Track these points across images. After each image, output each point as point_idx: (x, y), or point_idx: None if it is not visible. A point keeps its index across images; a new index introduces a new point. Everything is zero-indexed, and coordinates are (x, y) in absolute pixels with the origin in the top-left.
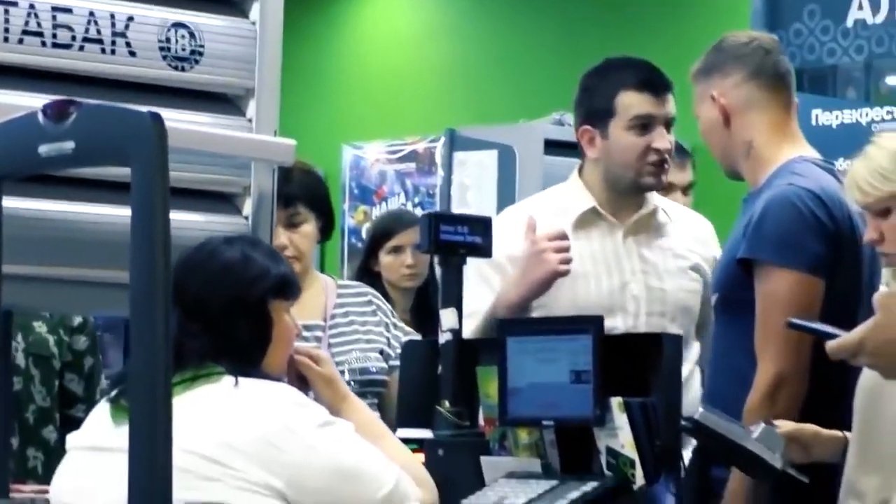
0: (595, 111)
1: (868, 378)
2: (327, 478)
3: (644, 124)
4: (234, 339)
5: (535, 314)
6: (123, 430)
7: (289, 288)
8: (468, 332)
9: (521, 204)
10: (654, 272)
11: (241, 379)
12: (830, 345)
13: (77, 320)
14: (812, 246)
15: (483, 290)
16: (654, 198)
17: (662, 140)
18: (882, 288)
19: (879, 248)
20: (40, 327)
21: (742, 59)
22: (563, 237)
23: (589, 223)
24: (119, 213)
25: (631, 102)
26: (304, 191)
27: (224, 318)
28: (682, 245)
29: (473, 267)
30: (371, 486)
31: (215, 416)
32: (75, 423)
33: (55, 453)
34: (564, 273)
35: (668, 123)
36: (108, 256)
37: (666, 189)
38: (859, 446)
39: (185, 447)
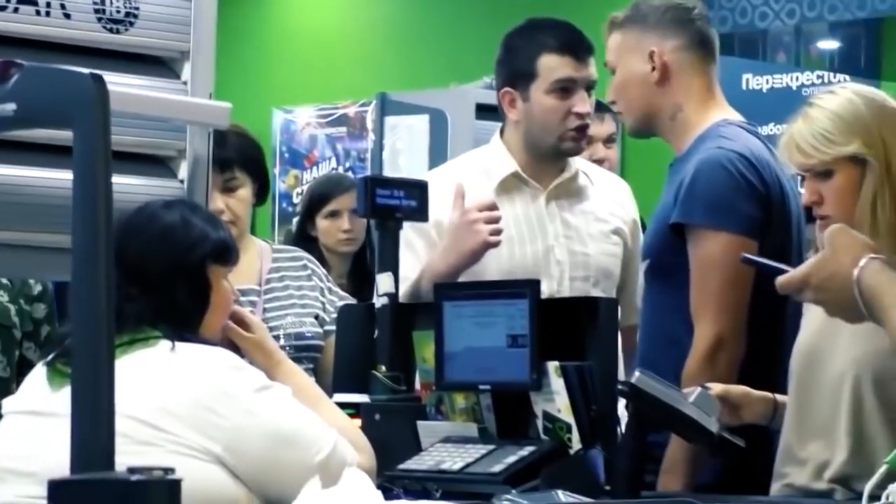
0: (516, 73)
1: (804, 343)
2: (265, 442)
3: (565, 88)
4: (173, 303)
5: (460, 279)
6: (61, 395)
7: (228, 253)
8: None
9: (444, 167)
10: (576, 236)
11: (177, 343)
12: (779, 280)
13: (37, 289)
14: (744, 208)
15: (408, 256)
16: (576, 161)
17: (584, 104)
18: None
19: (818, 210)
20: (1, 296)
21: (686, 25)
22: (494, 207)
23: (512, 187)
24: (53, 176)
25: (553, 65)
26: (240, 155)
27: (163, 281)
28: (604, 208)
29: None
30: (309, 451)
31: (152, 381)
32: None
33: None
34: (495, 244)
35: (589, 87)
36: (51, 220)
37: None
38: (797, 412)
39: (123, 412)
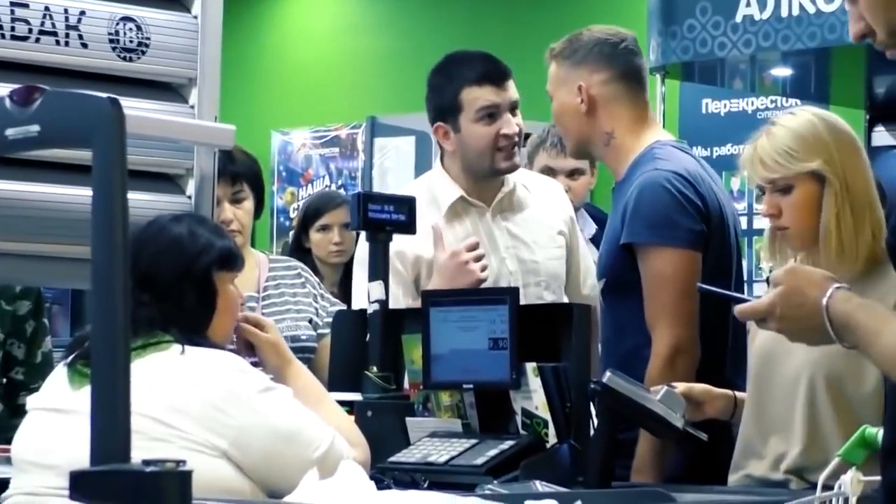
0: (443, 108)
1: (761, 346)
2: (268, 439)
3: (490, 114)
4: (182, 308)
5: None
6: (81, 393)
7: (232, 260)
8: None
9: None
10: (524, 245)
11: (187, 347)
12: (741, 308)
13: (18, 287)
14: (685, 223)
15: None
16: (512, 175)
17: (509, 125)
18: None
19: (775, 222)
20: None
21: (613, 59)
22: (477, 246)
23: (460, 210)
24: (73, 193)
25: (475, 96)
26: (247, 170)
27: (172, 288)
28: (544, 213)
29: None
30: (308, 447)
31: (164, 382)
32: (14, 386)
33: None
34: (486, 279)
35: (512, 108)
36: (70, 233)
37: (550, 174)
38: (755, 408)
39: (138, 410)
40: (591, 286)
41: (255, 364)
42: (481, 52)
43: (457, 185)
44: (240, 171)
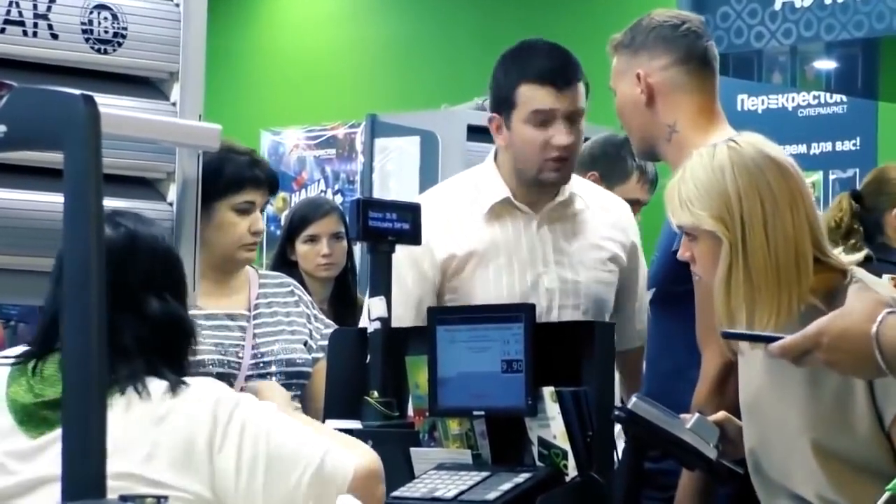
0: (499, 100)
1: (750, 400)
2: (250, 473)
3: (544, 119)
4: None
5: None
6: (39, 444)
7: None
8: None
9: (435, 191)
10: (568, 263)
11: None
12: (781, 345)
13: None
14: None
15: (395, 289)
16: (572, 183)
17: (562, 136)
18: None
19: (693, 267)
20: None
21: (673, 42)
22: None
23: (503, 212)
24: (42, 199)
25: (531, 95)
26: (275, 178)
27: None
28: (600, 233)
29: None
30: (295, 470)
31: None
32: None
33: None
34: None
35: (571, 117)
36: (32, 243)
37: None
38: (755, 466)
39: (113, 470)
40: (638, 336)
41: None
42: (553, 46)
43: (504, 184)
44: (274, 179)
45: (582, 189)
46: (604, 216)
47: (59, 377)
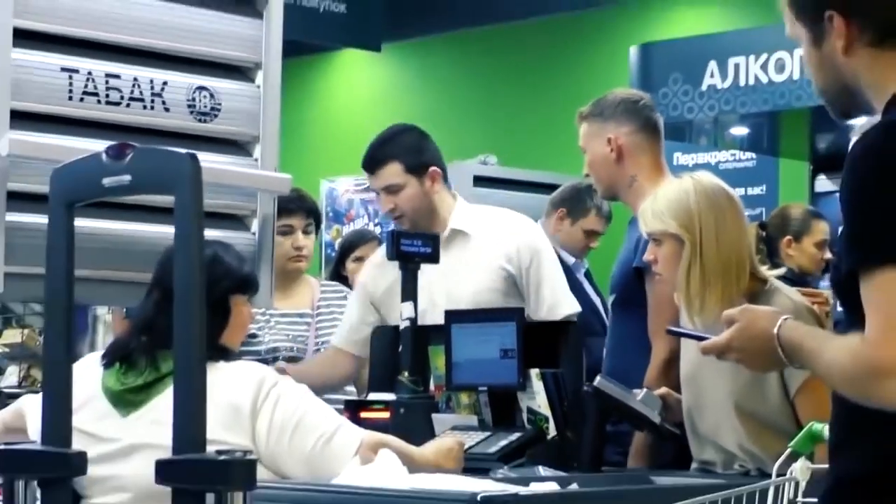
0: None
1: (688, 373)
2: (280, 434)
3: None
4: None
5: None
6: (129, 421)
7: (248, 285)
8: None
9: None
10: (454, 282)
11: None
12: (704, 345)
13: None
14: None
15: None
16: (453, 217)
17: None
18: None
19: (654, 267)
20: None
21: (635, 113)
22: None
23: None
24: (144, 229)
25: None
26: (315, 209)
27: None
28: (485, 253)
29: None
30: (314, 435)
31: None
32: None
33: None
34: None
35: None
36: (134, 261)
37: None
38: (690, 423)
39: None
40: (547, 311)
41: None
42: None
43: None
44: (311, 208)
45: (462, 218)
46: (487, 236)
47: (139, 370)
